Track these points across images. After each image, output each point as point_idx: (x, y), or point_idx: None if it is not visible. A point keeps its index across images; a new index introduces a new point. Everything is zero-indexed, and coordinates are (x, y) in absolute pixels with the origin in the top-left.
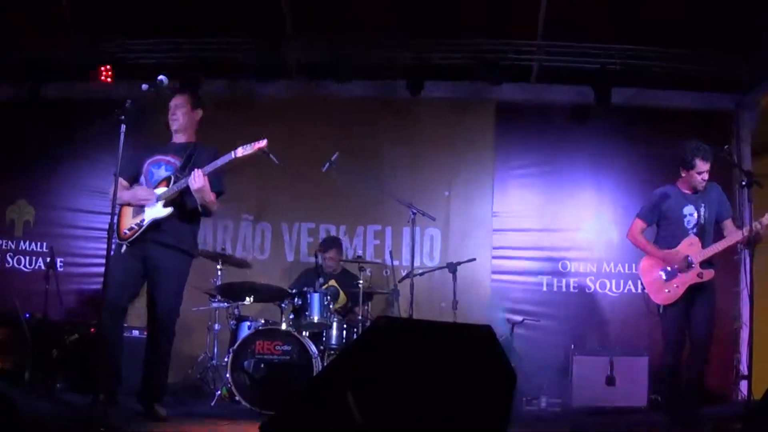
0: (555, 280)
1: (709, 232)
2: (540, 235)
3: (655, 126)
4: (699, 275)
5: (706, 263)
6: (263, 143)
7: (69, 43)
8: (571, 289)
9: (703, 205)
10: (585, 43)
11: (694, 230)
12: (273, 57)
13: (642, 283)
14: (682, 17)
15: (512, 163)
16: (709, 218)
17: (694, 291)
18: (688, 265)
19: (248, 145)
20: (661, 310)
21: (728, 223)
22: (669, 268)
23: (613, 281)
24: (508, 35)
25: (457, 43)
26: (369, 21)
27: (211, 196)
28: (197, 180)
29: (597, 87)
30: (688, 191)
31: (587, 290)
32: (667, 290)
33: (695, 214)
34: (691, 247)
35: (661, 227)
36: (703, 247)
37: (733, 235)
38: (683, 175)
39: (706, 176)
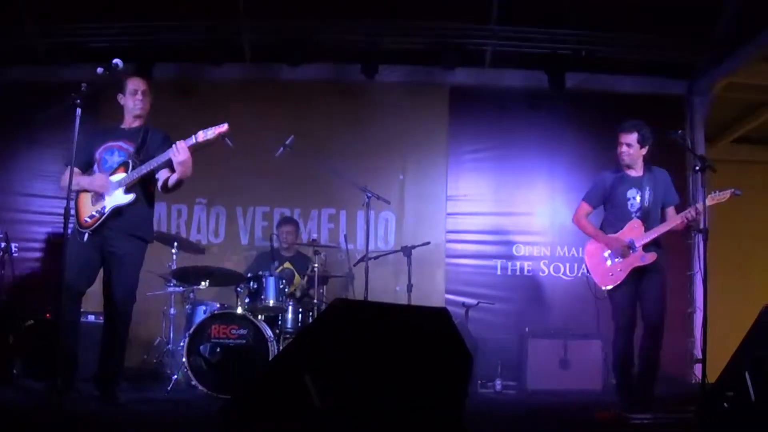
0: (509, 264)
1: (653, 216)
2: (494, 219)
3: (608, 111)
4: (641, 258)
5: (650, 246)
6: (224, 128)
7: (21, 27)
8: (525, 273)
9: (647, 188)
10: (538, 28)
11: (638, 214)
12: (225, 40)
13: (586, 267)
14: (634, 2)
15: (466, 147)
16: (654, 202)
17: (640, 274)
18: (630, 249)
19: (209, 129)
20: (606, 294)
21: (671, 210)
22: (612, 253)
23: (567, 265)
24: (463, 19)
25: (411, 26)
26: (323, 3)
27: (191, 170)
28: (181, 152)
29: (550, 72)
30: (632, 173)
31: (541, 274)
32: (611, 273)
33: (638, 198)
34: (633, 231)
35: (606, 210)
36: (647, 230)
37: (672, 220)
38: (620, 139)
39: (628, 149)
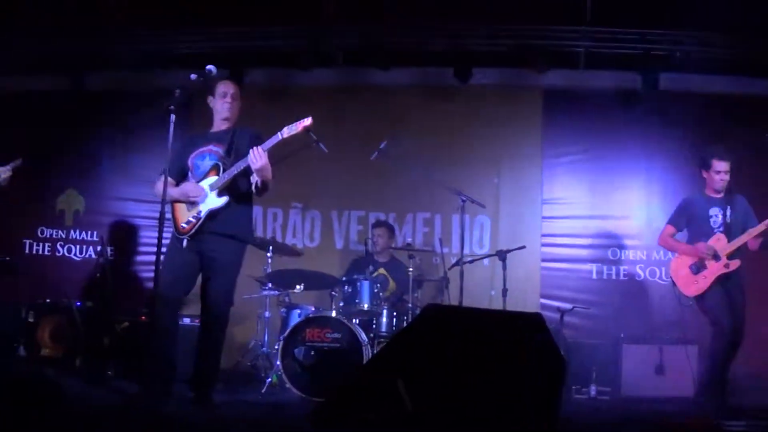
0: (605, 268)
1: (734, 235)
2: (590, 223)
3: (703, 112)
4: (726, 266)
5: (733, 255)
6: (308, 121)
7: (113, 35)
8: (621, 277)
9: (728, 207)
10: (631, 29)
11: (720, 229)
12: (316, 45)
13: (671, 279)
14: (728, 2)
15: (560, 149)
16: (735, 222)
17: (726, 282)
18: (715, 258)
19: (294, 124)
20: (690, 302)
21: (752, 230)
22: (697, 261)
23: (663, 269)
24: (555, 21)
25: (503, 29)
26: (413, 7)
27: (271, 174)
28: (259, 158)
29: (644, 72)
30: (713, 194)
31: (637, 278)
32: (695, 282)
33: (720, 216)
34: (718, 242)
35: (689, 231)
36: (729, 242)
37: (758, 227)
38: (704, 176)
39: (724, 176)
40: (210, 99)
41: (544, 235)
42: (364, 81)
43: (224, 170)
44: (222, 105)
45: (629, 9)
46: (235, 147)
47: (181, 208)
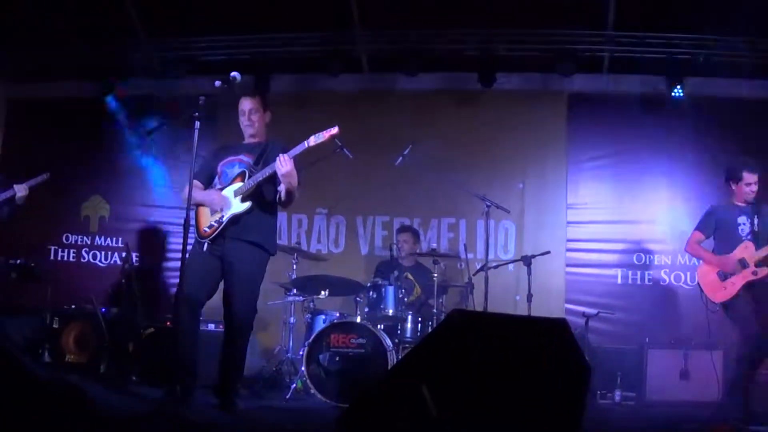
0: (630, 273)
1: (762, 242)
2: (614, 227)
3: (727, 116)
4: (753, 273)
5: (761, 263)
6: (335, 130)
7: (137, 42)
8: (646, 282)
9: (756, 215)
10: (655, 33)
11: (748, 237)
12: (341, 51)
13: (699, 285)
14: (752, 5)
15: (585, 154)
16: (763, 229)
17: (753, 289)
18: (743, 267)
19: (320, 133)
20: (717, 307)
21: None
22: (723, 271)
23: (688, 274)
24: (579, 25)
25: (527, 34)
26: (438, 12)
27: (296, 181)
28: (285, 164)
29: (668, 77)
30: (741, 203)
31: (662, 283)
32: (723, 288)
33: (748, 224)
34: (745, 251)
35: (716, 238)
36: (757, 250)
37: None
38: (733, 188)
39: (754, 187)
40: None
41: (569, 240)
42: (389, 86)
43: (249, 177)
44: (243, 122)
45: (653, 13)
46: (265, 158)
47: (204, 212)
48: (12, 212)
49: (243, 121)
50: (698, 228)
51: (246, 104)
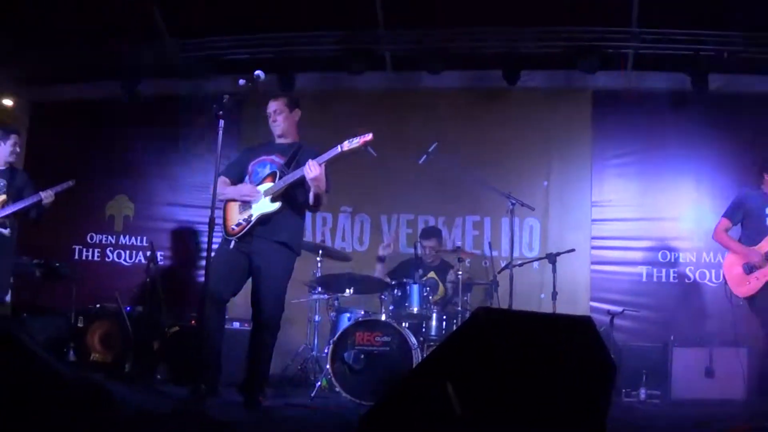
0: (655, 271)
1: None
2: (639, 225)
3: (754, 112)
4: None
5: None
6: (369, 137)
7: (161, 42)
8: (671, 280)
9: None
10: (679, 29)
11: None
12: (365, 49)
13: (723, 276)
14: None
15: (610, 152)
16: None
17: None
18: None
19: (354, 138)
20: (741, 302)
21: None
22: (749, 264)
23: (713, 271)
24: (603, 22)
25: (552, 31)
26: (462, 10)
27: (325, 186)
28: (313, 169)
29: (693, 73)
30: None
31: (687, 280)
32: (747, 282)
33: None
34: None
35: (744, 226)
36: None
37: None
38: (766, 177)
39: None
40: None
41: (593, 238)
42: (411, 84)
43: (280, 177)
44: (271, 125)
45: (678, 10)
46: (296, 161)
47: (233, 210)
48: (38, 217)
49: (270, 122)
50: (726, 215)
51: (270, 106)
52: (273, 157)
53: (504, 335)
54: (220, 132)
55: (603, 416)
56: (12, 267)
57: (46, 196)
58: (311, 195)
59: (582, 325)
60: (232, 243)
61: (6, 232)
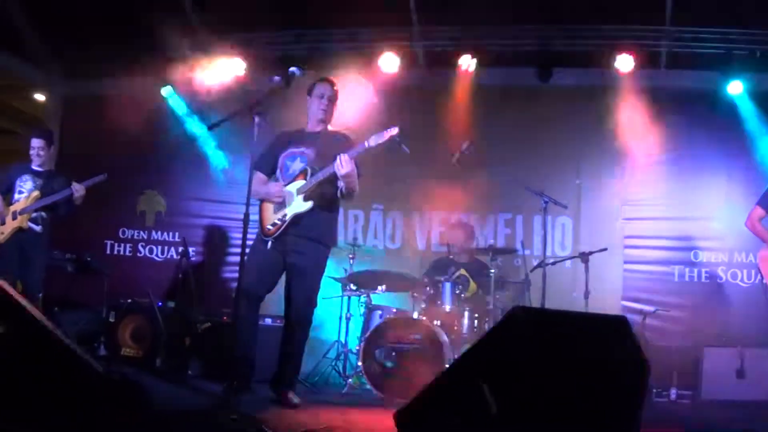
0: (687, 270)
1: None
2: (671, 224)
3: None
4: None
5: None
6: (395, 131)
7: (196, 37)
8: (703, 279)
9: None
10: (713, 28)
11: None
12: (400, 47)
13: (760, 272)
14: None
15: (642, 150)
16: None
17: None
18: None
19: (380, 133)
20: None
21: None
22: None
23: (744, 272)
24: (637, 21)
25: (585, 29)
26: (496, 8)
27: (356, 180)
28: (345, 165)
29: (726, 72)
30: None
31: (718, 280)
32: None
33: None
34: None
35: None
36: None
37: None
38: None
39: None
40: (307, 98)
41: (626, 237)
42: (446, 82)
43: (312, 175)
44: (318, 106)
45: (711, 8)
46: (324, 151)
47: (268, 209)
48: (70, 210)
49: (319, 104)
50: (759, 203)
51: (327, 89)
52: (303, 148)
53: (540, 334)
54: (256, 128)
55: (637, 416)
56: (45, 264)
57: (77, 189)
58: (343, 188)
59: (617, 324)
60: (269, 243)
61: (38, 228)
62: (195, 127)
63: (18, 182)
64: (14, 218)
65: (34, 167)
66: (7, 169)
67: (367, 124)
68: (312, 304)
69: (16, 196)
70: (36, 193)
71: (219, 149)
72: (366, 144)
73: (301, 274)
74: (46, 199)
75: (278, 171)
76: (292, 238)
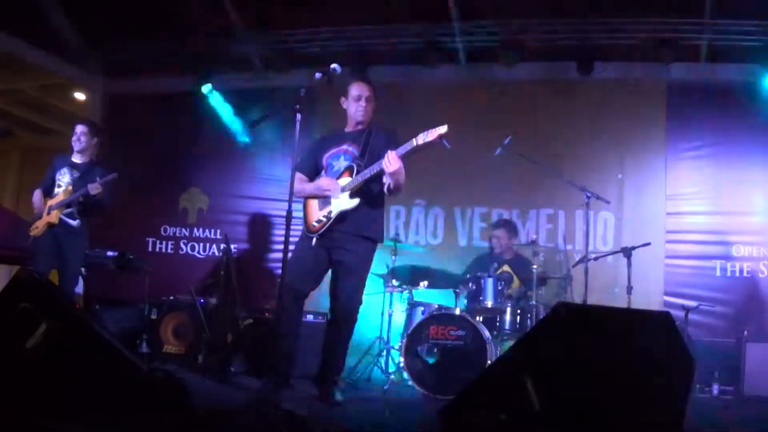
0: (729, 265)
1: None
2: (714, 219)
3: None
4: None
5: None
6: (444, 129)
7: (237, 36)
8: (745, 274)
9: None
10: (752, 20)
11: None
12: (439, 43)
13: None
14: None
15: (685, 144)
16: None
17: None
18: None
19: (429, 131)
20: None
21: None
22: None
23: None
24: (677, 14)
25: (626, 22)
26: (536, 2)
27: (404, 178)
28: (393, 162)
29: (765, 65)
30: None
31: (761, 275)
32: None
33: None
34: None
35: None
36: None
37: None
38: None
39: None
40: (343, 100)
41: (668, 232)
42: (485, 77)
43: (358, 172)
44: (356, 108)
45: (750, 0)
46: (369, 148)
47: (312, 206)
48: (91, 211)
49: (356, 107)
50: None
51: (364, 90)
52: (345, 146)
53: (584, 330)
54: (298, 125)
55: (683, 411)
56: (82, 258)
57: (93, 188)
58: (391, 184)
59: (661, 320)
60: (314, 240)
61: (74, 223)
62: (235, 124)
63: (57, 175)
64: (48, 213)
65: (74, 159)
66: (51, 162)
67: (409, 122)
68: (358, 301)
69: (56, 189)
70: (70, 187)
71: (261, 148)
72: (415, 142)
73: (348, 271)
74: (66, 199)
75: (323, 172)
76: (338, 235)
